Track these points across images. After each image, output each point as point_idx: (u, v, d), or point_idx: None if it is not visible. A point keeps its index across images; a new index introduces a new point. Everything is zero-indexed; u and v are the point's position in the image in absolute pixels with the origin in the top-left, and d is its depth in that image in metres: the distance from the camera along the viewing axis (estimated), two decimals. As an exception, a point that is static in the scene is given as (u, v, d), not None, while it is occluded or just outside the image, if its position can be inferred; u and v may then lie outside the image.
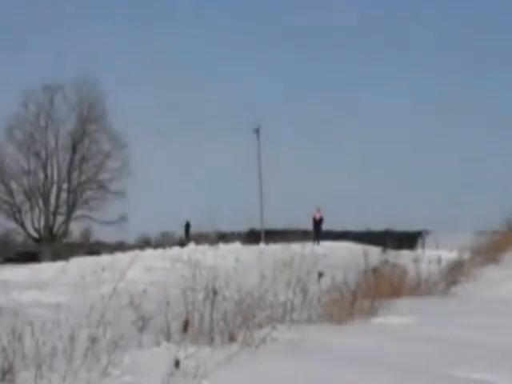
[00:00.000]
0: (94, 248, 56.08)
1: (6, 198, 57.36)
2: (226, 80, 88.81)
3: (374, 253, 16.22)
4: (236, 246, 32.58)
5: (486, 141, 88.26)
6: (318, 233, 36.47)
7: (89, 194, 59.02)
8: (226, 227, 46.99)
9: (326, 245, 33.25)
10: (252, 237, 46.87)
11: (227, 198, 64.49)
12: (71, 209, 58.21)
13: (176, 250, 30.86)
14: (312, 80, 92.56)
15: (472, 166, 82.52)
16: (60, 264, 27.77)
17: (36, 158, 58.11)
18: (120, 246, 51.57)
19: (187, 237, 45.64)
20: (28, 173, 57.89)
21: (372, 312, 9.84)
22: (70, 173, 58.24)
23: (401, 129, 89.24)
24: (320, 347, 7.29)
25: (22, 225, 58.02)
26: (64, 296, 15.86)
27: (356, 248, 27.20)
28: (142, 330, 7.49)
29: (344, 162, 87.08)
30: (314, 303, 9.26)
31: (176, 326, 7.10)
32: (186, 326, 6.66)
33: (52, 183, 58.32)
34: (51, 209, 57.99)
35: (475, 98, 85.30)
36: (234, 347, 6.84)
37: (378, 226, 56.03)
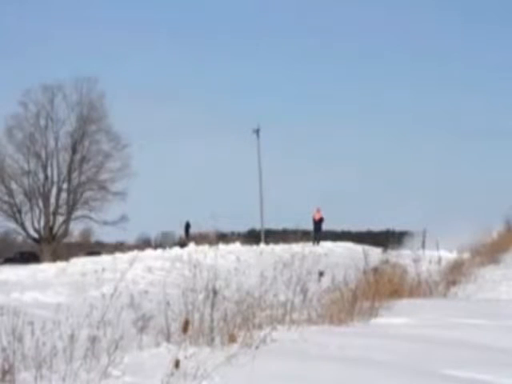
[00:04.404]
0: (94, 248, 56.10)
1: (6, 198, 57.30)
2: (226, 80, 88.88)
3: (374, 253, 16.23)
4: (236, 245, 32.50)
5: (485, 140, 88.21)
6: (317, 233, 36.32)
7: (89, 194, 58.94)
8: (226, 227, 46.98)
9: (326, 245, 33.19)
10: (252, 237, 46.89)
11: (227, 198, 64.62)
12: (71, 209, 58.14)
13: (176, 250, 30.79)
14: (312, 80, 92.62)
15: (472, 166, 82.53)
16: (60, 264, 27.71)
17: (36, 158, 58.03)
18: (120, 246, 51.60)
19: (187, 237, 45.57)
20: (28, 173, 57.80)
21: (372, 312, 9.83)
22: (70, 173, 58.16)
23: (401, 129, 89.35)
24: (320, 347, 7.28)
25: (22, 225, 57.96)
26: (64, 296, 15.82)
27: (356, 248, 27.23)
28: (142, 330, 7.48)
29: (344, 162, 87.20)
30: (313, 303, 9.26)
31: (176, 326, 7.09)
32: (185, 327, 6.65)
33: (52, 183, 58.26)
34: (51, 209, 57.94)
35: (473, 98, 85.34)
36: (234, 348, 6.83)
37: (378, 226, 56.09)
